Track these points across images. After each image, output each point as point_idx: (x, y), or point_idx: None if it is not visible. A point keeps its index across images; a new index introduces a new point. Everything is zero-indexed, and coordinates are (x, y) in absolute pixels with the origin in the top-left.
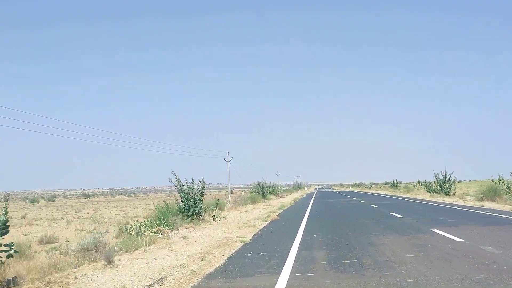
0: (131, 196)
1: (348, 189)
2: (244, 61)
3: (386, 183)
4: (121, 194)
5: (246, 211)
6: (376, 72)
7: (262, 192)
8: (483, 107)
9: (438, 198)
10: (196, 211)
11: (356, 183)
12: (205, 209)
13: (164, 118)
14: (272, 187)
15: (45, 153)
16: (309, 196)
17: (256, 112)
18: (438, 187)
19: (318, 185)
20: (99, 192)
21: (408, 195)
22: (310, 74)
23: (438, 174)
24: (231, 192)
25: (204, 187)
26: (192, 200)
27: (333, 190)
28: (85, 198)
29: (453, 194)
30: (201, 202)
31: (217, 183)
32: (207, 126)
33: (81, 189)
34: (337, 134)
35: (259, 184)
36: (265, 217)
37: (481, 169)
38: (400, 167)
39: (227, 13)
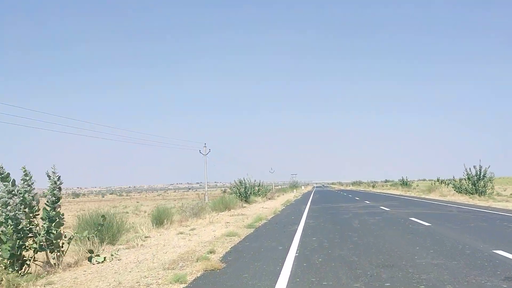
0: (122, 195)
1: (348, 188)
2: (238, 53)
3: (386, 181)
4: (113, 193)
5: (193, 229)
6: (374, 67)
7: (245, 193)
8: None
9: (494, 203)
10: (40, 244)
11: (356, 181)
12: (72, 238)
13: (154, 115)
14: (258, 186)
15: (44, 151)
16: (305, 197)
17: (252, 108)
18: (471, 186)
19: (316, 183)
20: (96, 191)
21: (434, 197)
22: (307, 68)
23: (469, 169)
24: (224, 192)
25: (58, 190)
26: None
27: (332, 189)
28: (74, 198)
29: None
30: (54, 223)
31: (215, 182)
32: (202, 122)
33: (77, 187)
34: (334, 132)
35: (240, 183)
36: (199, 258)
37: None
38: (398, 165)
39: (216, 4)
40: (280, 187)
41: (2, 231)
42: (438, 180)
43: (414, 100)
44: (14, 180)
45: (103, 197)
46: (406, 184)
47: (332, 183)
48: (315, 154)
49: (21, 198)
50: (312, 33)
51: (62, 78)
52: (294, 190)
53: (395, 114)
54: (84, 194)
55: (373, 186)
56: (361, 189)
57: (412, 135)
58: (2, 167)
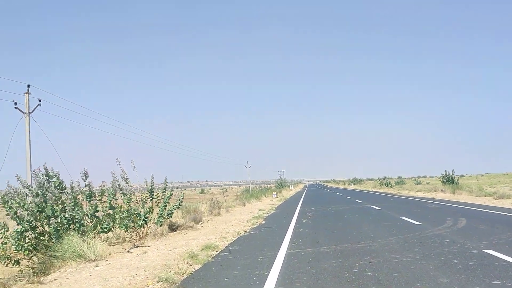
0: None
1: (351, 187)
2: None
3: (384, 178)
4: None
5: None
6: (368, 61)
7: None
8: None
9: None
10: None
11: (356, 179)
12: None
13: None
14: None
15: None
16: (286, 212)
17: (244, 101)
18: None
19: (308, 181)
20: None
21: None
22: (300, 61)
23: None
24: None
25: None
26: None
27: (331, 189)
28: None
29: None
30: None
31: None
32: (199, 119)
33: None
34: (327, 129)
35: (43, 198)
36: None
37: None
38: (394, 162)
39: None
40: (266, 186)
41: None
42: None
43: (411, 99)
44: None
45: None
46: (453, 182)
47: (326, 181)
48: (307, 151)
49: None
50: (306, 25)
51: None
52: (274, 193)
53: (389, 112)
54: None
55: (389, 186)
56: (375, 191)
57: (409, 134)
58: None
